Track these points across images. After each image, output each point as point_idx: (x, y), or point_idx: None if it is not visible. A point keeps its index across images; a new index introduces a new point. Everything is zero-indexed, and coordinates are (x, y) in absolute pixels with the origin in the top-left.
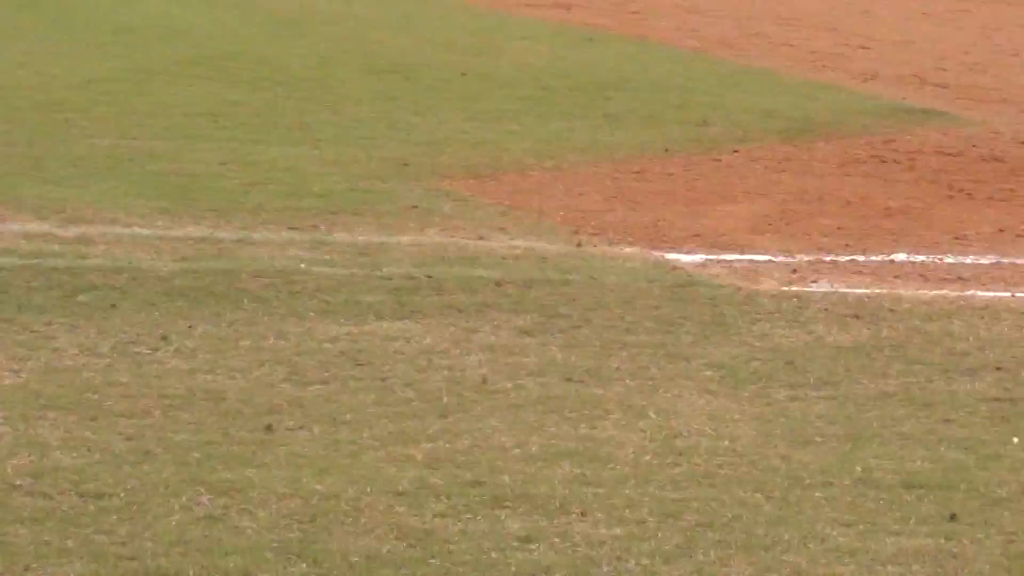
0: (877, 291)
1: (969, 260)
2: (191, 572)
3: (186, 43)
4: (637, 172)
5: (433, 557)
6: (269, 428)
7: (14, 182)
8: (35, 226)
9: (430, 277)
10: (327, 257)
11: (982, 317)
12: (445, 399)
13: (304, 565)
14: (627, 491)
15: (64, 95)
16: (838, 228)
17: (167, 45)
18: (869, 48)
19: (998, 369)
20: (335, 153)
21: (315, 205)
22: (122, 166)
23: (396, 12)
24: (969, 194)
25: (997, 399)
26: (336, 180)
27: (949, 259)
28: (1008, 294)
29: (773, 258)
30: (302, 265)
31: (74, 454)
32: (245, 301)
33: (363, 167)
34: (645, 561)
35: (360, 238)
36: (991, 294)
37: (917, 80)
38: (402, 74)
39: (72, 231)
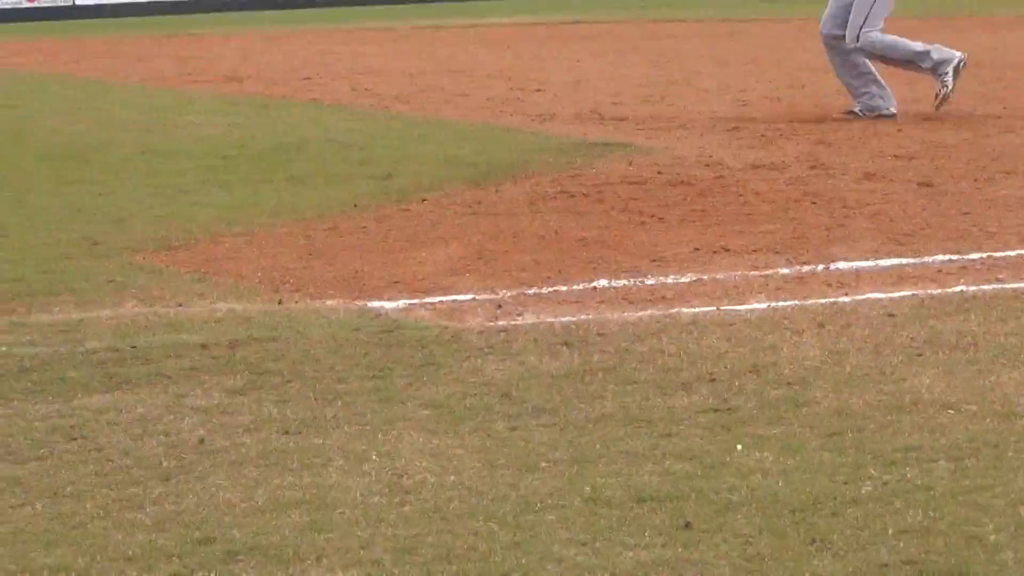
0: (584, 317)
1: (670, 280)
2: None
3: None
4: (329, 229)
5: None
6: None
7: None
8: None
9: (134, 348)
10: (28, 338)
11: (690, 332)
12: (164, 463)
13: None
14: (360, 533)
15: None
16: (536, 262)
17: None
18: (544, 91)
19: (712, 381)
20: (22, 240)
21: (9, 290)
22: None
23: (66, 101)
24: (661, 219)
25: (715, 409)
26: (28, 265)
27: (650, 281)
28: (713, 308)
29: (476, 296)
30: (3, 348)
31: None
32: None
33: (53, 250)
34: None
35: (59, 317)
36: (696, 310)
37: (596, 116)
38: (80, 158)
39: None
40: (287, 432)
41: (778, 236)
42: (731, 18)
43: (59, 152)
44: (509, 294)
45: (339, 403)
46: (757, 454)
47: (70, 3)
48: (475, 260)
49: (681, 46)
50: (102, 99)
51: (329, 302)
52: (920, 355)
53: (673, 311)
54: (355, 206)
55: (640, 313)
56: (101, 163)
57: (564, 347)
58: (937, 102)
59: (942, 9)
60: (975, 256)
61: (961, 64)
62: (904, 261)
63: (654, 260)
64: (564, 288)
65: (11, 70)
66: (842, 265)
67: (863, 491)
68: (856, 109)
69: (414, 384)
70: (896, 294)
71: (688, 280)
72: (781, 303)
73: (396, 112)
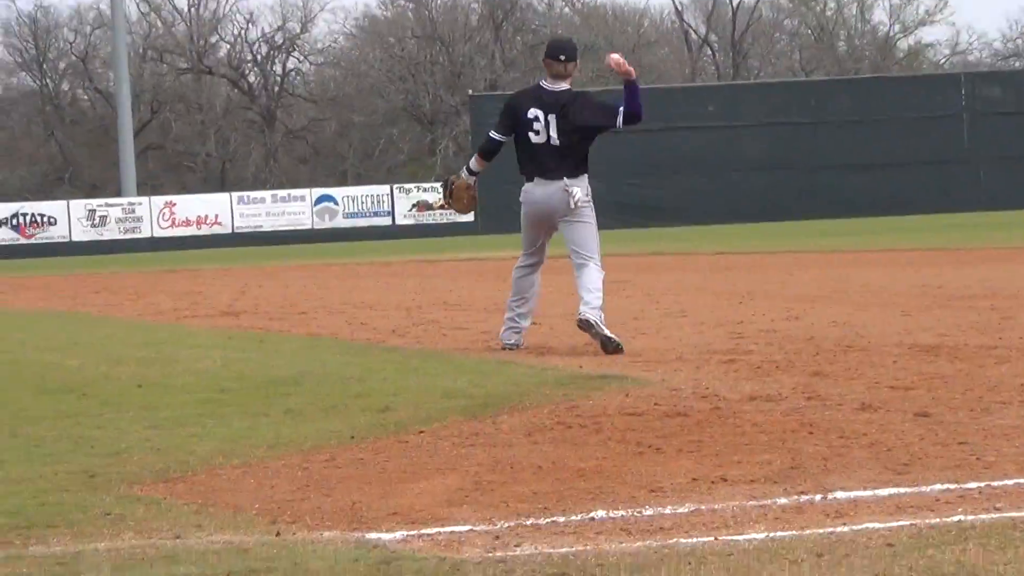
0: (581, 548)
1: (668, 510)
2: None
3: None
4: (327, 460)
5: None
6: None
7: None
8: None
9: None
10: (25, 570)
11: (688, 563)
12: None
13: None
14: None
15: None
16: (534, 493)
17: None
18: (540, 324)
19: None
20: (19, 472)
21: (6, 523)
22: None
23: (62, 335)
24: (658, 449)
25: None
26: (25, 497)
27: (648, 511)
28: (711, 538)
29: (474, 527)
30: None
31: None
32: None
33: (50, 482)
34: None
35: (56, 549)
36: (694, 540)
37: (591, 348)
38: (78, 392)
39: None
40: None
41: (775, 466)
42: (726, 251)
43: (57, 386)
44: (507, 525)
45: None
46: None
47: (67, 239)
48: (473, 491)
49: (676, 278)
50: (100, 334)
51: (327, 533)
52: None
53: (671, 542)
54: (352, 438)
55: (638, 544)
56: (99, 396)
57: None
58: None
59: (947, 242)
60: (973, 485)
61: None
62: (902, 491)
63: (652, 491)
64: (562, 519)
65: (8, 306)
66: (840, 495)
67: None
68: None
69: None
70: (894, 523)
71: (686, 510)
72: (779, 533)
73: (393, 345)
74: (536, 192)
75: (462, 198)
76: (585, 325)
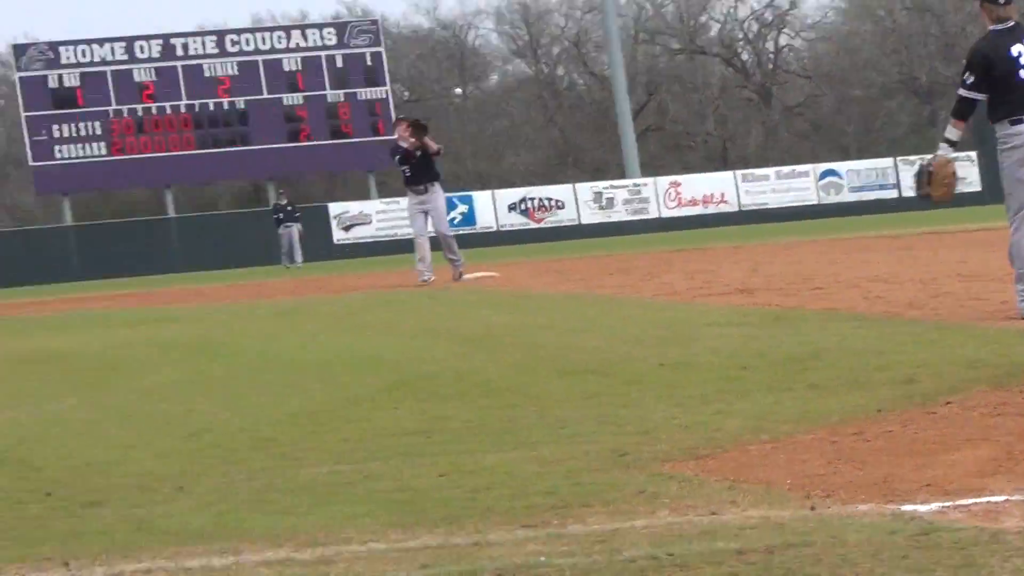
0: None
1: None
2: None
3: (383, 370)
4: (855, 434)
5: None
6: None
7: (241, 517)
8: (271, 554)
9: (671, 555)
10: (565, 548)
11: None
12: None
13: None
14: None
15: (273, 431)
16: None
17: (364, 374)
18: None
19: None
20: (550, 452)
21: (542, 502)
22: (344, 489)
23: (580, 317)
24: None
25: None
26: (557, 477)
27: None
28: None
29: (1009, 497)
30: (542, 559)
31: None
32: None
33: (580, 462)
34: None
35: (594, 527)
36: None
37: None
38: (600, 372)
39: (309, 554)
40: None
41: None
42: None
43: (578, 367)
44: None
45: None
46: None
47: (575, 222)
48: (1005, 461)
49: None
50: (617, 315)
51: (861, 507)
52: None
53: None
54: (879, 411)
55: None
56: (621, 376)
57: None
58: None
59: None
60: None
61: None
62: None
63: None
64: None
65: (526, 290)
66: None
67: None
68: None
69: None
70: None
71: None
72: None
73: (911, 318)
74: None
75: (943, 180)
76: None
